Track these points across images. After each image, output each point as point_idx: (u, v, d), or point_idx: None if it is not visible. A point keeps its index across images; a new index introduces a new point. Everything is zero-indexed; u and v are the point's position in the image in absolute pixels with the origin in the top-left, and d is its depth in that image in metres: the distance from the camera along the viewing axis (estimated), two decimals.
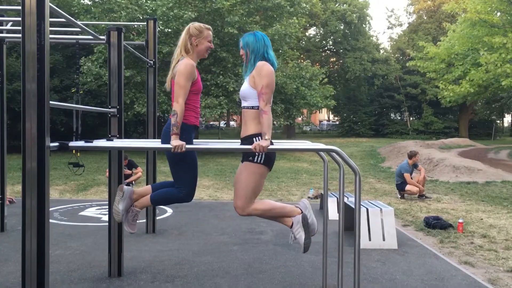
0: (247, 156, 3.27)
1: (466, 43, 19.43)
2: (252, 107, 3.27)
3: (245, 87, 3.31)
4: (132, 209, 3.44)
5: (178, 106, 3.17)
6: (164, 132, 3.30)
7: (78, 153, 3.54)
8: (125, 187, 3.43)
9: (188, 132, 3.33)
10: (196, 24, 3.43)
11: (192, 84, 3.30)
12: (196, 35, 3.36)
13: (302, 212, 3.39)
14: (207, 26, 3.45)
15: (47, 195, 2.86)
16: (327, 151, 3.25)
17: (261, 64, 3.24)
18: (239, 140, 3.41)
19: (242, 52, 3.40)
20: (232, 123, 60.33)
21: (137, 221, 3.52)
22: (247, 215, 3.33)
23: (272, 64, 3.30)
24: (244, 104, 3.33)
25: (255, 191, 3.29)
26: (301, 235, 3.34)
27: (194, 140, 3.41)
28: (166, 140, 3.23)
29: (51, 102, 2.90)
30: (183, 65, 3.25)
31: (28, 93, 2.78)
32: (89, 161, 15.67)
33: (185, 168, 3.34)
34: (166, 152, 3.31)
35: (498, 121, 48.86)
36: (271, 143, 3.19)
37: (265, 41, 3.35)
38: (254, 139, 3.21)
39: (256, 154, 3.22)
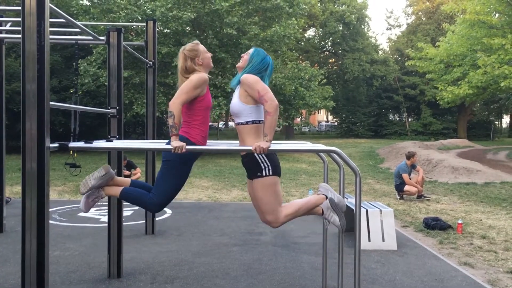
0: (255, 172, 3.22)
1: (465, 44, 19.44)
2: (247, 123, 3.23)
3: (236, 103, 3.25)
4: (99, 190, 3.31)
5: (174, 106, 3.08)
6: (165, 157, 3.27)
7: (75, 154, 3.53)
8: (111, 170, 3.32)
9: (193, 153, 3.27)
10: (187, 46, 3.39)
11: (200, 99, 3.27)
12: (195, 55, 3.34)
13: (327, 197, 3.40)
14: (195, 41, 3.45)
15: (47, 195, 2.85)
16: (328, 152, 3.24)
17: (245, 77, 3.20)
18: (238, 141, 3.39)
19: (246, 55, 3.38)
20: (230, 123, 60.32)
21: (95, 204, 3.38)
22: (282, 224, 3.32)
23: None
24: (237, 120, 3.28)
25: (278, 201, 3.26)
26: (334, 218, 3.34)
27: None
28: (169, 166, 3.21)
29: (50, 102, 2.89)
30: (197, 76, 3.23)
31: (28, 93, 2.78)
32: (87, 161, 15.65)
33: (171, 177, 3.26)
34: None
35: (497, 122, 48.92)
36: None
37: (268, 67, 3.33)
38: (255, 154, 3.19)
39: (263, 167, 3.19)
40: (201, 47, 3.40)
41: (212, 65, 3.47)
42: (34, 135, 2.79)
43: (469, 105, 35.78)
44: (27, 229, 2.82)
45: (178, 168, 3.25)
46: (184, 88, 3.17)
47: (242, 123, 3.25)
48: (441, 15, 39.18)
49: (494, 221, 7.21)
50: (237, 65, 3.44)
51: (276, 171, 3.24)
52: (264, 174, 3.20)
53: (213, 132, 38.93)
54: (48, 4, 2.81)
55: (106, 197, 3.51)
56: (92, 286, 4.04)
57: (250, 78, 3.19)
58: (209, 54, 3.44)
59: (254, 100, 3.20)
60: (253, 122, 3.23)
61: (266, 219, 3.28)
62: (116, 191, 3.32)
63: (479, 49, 18.56)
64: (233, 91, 3.36)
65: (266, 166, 3.19)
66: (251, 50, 3.40)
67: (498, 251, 5.49)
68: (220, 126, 43.54)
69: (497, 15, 19.89)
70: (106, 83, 15.00)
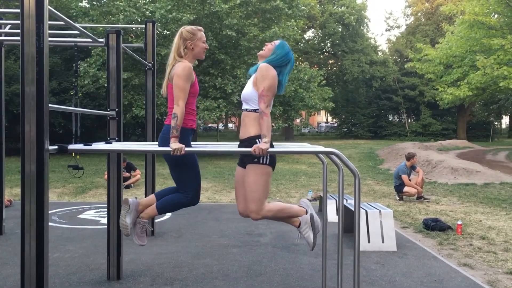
0: (252, 158, 3.23)
1: (464, 45, 19.47)
2: (255, 110, 3.26)
3: (249, 90, 3.29)
4: (139, 221, 3.39)
5: (178, 109, 3.15)
6: (161, 138, 3.28)
7: (78, 156, 3.53)
8: (130, 199, 3.37)
9: (186, 135, 3.31)
10: (188, 27, 3.40)
11: (190, 86, 3.29)
12: (190, 38, 3.35)
13: (307, 212, 3.42)
14: (198, 27, 3.43)
15: (46, 198, 2.85)
16: (327, 154, 3.25)
17: (264, 66, 3.23)
18: (238, 142, 3.40)
19: (270, 45, 3.38)
20: (230, 125, 60.37)
21: (146, 232, 3.47)
22: (262, 218, 3.32)
23: (279, 83, 3.28)
24: (245, 106, 3.32)
25: (266, 193, 3.29)
26: (309, 234, 3.39)
27: (192, 143, 3.38)
28: (164, 145, 3.21)
29: (50, 105, 2.90)
30: (181, 67, 3.23)
31: (27, 95, 2.78)
32: (87, 163, 15.64)
33: (187, 171, 3.30)
34: (166, 158, 3.29)
35: (496, 123, 48.98)
36: (271, 145, 3.20)
37: (288, 63, 3.35)
38: (256, 140, 3.20)
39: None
40: (200, 34, 3.39)
41: (203, 57, 3.46)
42: (34, 137, 2.79)
43: (469, 106, 35.86)
44: (27, 231, 2.82)
45: (182, 161, 3.27)
46: (178, 87, 3.19)
47: (250, 110, 3.29)
48: (440, 16, 39.26)
49: (494, 222, 7.21)
50: (258, 53, 3.45)
51: (272, 162, 3.28)
52: (261, 162, 3.23)
53: (212, 133, 38.98)
54: (47, 7, 2.82)
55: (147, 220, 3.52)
56: None
57: (267, 70, 3.21)
58: (204, 45, 3.42)
59: None
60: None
61: (249, 208, 3.28)
62: (152, 210, 3.38)
63: (478, 50, 18.59)
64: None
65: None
66: (277, 41, 3.40)
67: (498, 252, 5.50)
68: (219, 127, 43.53)
69: (496, 16, 19.93)
70: (105, 85, 15.00)
